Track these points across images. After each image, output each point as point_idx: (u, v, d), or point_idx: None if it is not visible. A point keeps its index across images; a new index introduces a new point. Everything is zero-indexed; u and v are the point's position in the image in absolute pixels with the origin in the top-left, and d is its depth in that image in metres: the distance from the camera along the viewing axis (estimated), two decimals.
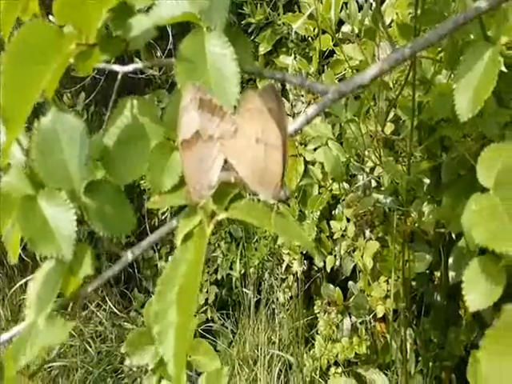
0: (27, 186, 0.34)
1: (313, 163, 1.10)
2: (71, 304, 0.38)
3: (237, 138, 0.34)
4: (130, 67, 0.41)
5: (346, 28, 1.00)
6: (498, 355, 0.30)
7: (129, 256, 0.37)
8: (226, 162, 0.35)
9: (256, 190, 0.34)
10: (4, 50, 0.35)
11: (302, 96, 1.22)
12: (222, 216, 0.33)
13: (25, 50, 0.28)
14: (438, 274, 1.08)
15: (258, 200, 0.35)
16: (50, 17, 0.46)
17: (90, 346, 1.59)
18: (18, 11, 0.39)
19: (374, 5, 0.76)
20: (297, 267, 1.27)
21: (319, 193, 1.12)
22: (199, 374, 0.57)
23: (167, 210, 1.49)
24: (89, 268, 0.35)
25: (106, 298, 1.71)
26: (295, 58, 1.14)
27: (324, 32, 0.98)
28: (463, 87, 0.40)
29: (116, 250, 0.38)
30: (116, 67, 0.41)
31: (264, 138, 0.33)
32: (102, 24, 0.32)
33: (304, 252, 1.29)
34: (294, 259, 1.28)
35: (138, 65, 0.41)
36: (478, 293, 0.37)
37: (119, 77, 0.42)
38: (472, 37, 0.59)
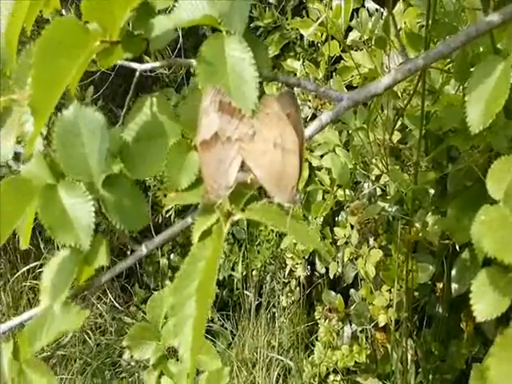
0: (48, 175, 0.35)
1: (318, 169, 1.11)
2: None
3: (255, 141, 0.35)
4: (147, 65, 0.42)
5: (354, 34, 1.01)
6: (507, 362, 0.31)
7: (143, 250, 0.38)
8: (243, 163, 0.36)
9: (272, 192, 0.36)
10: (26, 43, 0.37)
11: (309, 101, 1.23)
12: (238, 216, 0.34)
13: (54, 46, 0.30)
14: (440, 285, 1.08)
15: (271, 202, 0.36)
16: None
17: (90, 338, 1.59)
18: (40, 6, 0.40)
19: (384, 13, 0.76)
20: (300, 272, 1.28)
21: (323, 198, 1.13)
22: (198, 373, 0.58)
23: (171, 208, 1.50)
24: (104, 259, 0.36)
25: (107, 291, 1.72)
26: (303, 62, 1.15)
27: (332, 38, 0.99)
28: (474, 100, 0.41)
29: (129, 243, 0.39)
30: (134, 65, 0.42)
31: (282, 142, 0.34)
32: (124, 23, 0.34)
33: (306, 257, 1.30)
34: (298, 263, 1.28)
35: (155, 63, 0.42)
36: (485, 303, 0.37)
37: (137, 74, 0.43)
38: (481, 49, 0.60)
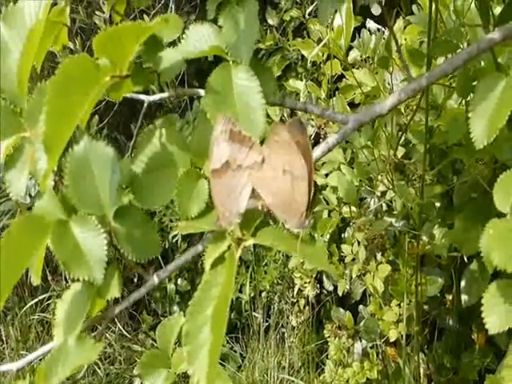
0: (60, 211, 0.36)
1: (323, 187, 1.11)
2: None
3: (265, 169, 0.36)
4: (156, 97, 0.43)
5: (354, 53, 1.02)
6: None
7: (155, 279, 0.38)
8: (253, 190, 0.36)
9: (282, 218, 0.36)
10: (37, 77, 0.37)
11: (312, 120, 1.24)
12: (249, 242, 0.34)
13: (67, 83, 0.30)
14: (449, 297, 1.08)
15: (282, 226, 0.36)
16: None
17: (99, 368, 1.58)
18: (50, 42, 0.41)
19: (386, 33, 0.78)
20: (310, 291, 1.27)
21: (329, 216, 1.13)
22: None
23: (178, 233, 1.50)
24: (116, 291, 0.36)
25: (116, 320, 1.71)
26: (306, 82, 1.16)
27: (334, 57, 1.00)
28: (478, 116, 0.42)
29: (141, 273, 0.39)
30: (142, 96, 0.43)
31: (291, 169, 0.35)
32: (133, 57, 0.34)
33: (314, 275, 1.29)
34: (306, 283, 1.28)
35: (164, 94, 0.43)
36: (497, 316, 0.37)
37: (145, 105, 0.44)
38: (482, 64, 0.61)
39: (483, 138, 0.41)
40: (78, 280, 0.35)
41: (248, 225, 0.35)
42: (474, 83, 0.60)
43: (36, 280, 0.40)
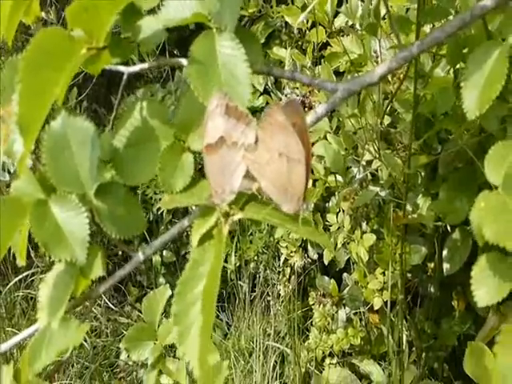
0: (38, 191, 0.34)
1: None
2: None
3: (260, 151, 0.34)
4: (135, 68, 0.41)
5: (339, 20, 1.00)
6: None
7: (140, 256, 0.37)
8: (248, 169, 0.35)
9: (278, 202, 0.35)
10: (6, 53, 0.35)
11: (297, 89, 1.22)
12: (238, 216, 0.33)
13: (40, 58, 0.28)
14: (431, 265, 1.09)
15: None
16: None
17: (86, 341, 1.58)
18: (21, 14, 0.38)
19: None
20: (297, 261, 1.27)
21: (313, 185, 1.13)
22: None
23: None
24: (100, 270, 0.35)
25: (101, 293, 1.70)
26: (291, 49, 1.13)
27: (319, 24, 0.98)
28: (471, 86, 0.41)
29: (126, 250, 0.38)
30: (122, 68, 0.41)
31: (287, 152, 0.33)
32: (111, 27, 0.32)
33: (299, 244, 1.29)
34: (293, 252, 1.28)
35: (144, 65, 0.41)
36: (486, 289, 0.37)
37: (125, 77, 0.42)
38: (473, 31, 0.59)
39: (475, 109, 0.40)
40: (60, 260, 0.34)
41: (237, 199, 0.34)
42: (464, 51, 0.59)
43: (21, 261, 0.38)
